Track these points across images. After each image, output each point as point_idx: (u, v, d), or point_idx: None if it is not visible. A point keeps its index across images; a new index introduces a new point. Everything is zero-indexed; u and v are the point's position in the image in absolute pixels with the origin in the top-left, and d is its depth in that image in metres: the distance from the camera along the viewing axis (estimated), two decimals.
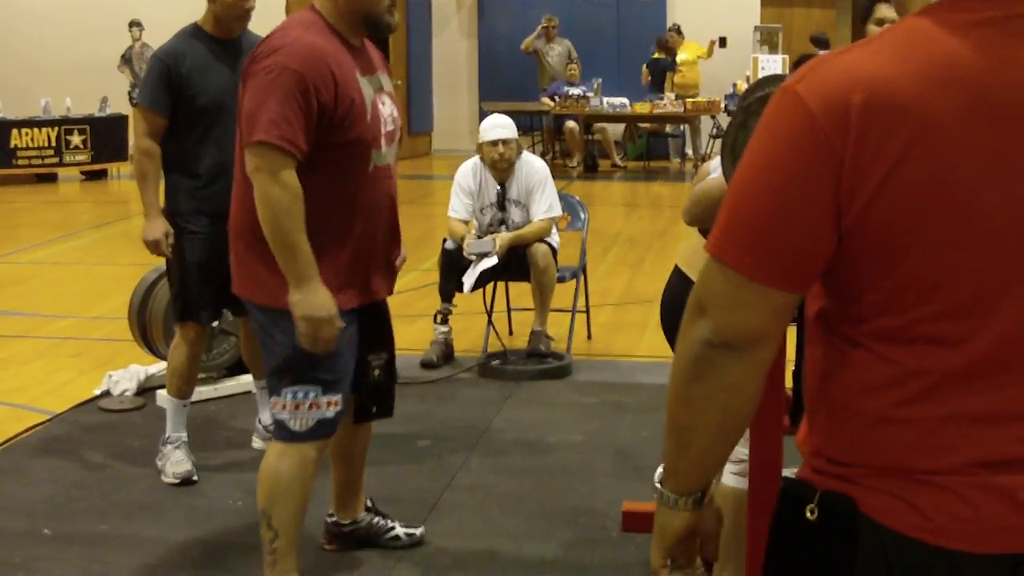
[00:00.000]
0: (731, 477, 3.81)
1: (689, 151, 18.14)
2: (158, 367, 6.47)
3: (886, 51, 1.66)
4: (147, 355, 6.53)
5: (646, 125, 17.83)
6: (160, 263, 6.38)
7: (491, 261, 6.75)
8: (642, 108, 16.63)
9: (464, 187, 7.02)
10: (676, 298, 3.78)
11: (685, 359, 1.75)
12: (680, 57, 17.68)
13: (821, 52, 13.14)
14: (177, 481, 5.10)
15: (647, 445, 5.61)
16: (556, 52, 17.54)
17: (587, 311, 7.59)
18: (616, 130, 18.16)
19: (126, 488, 5.12)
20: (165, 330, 6.08)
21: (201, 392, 6.23)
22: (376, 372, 3.99)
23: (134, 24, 17.81)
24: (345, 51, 3.70)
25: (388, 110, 3.85)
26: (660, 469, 1.91)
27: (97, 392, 6.41)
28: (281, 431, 3.80)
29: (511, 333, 7.59)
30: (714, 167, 3.76)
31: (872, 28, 5.13)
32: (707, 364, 1.73)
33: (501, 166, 6.94)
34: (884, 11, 5.08)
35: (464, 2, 19.73)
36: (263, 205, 3.54)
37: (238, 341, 6.29)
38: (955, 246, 1.62)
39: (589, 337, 7.62)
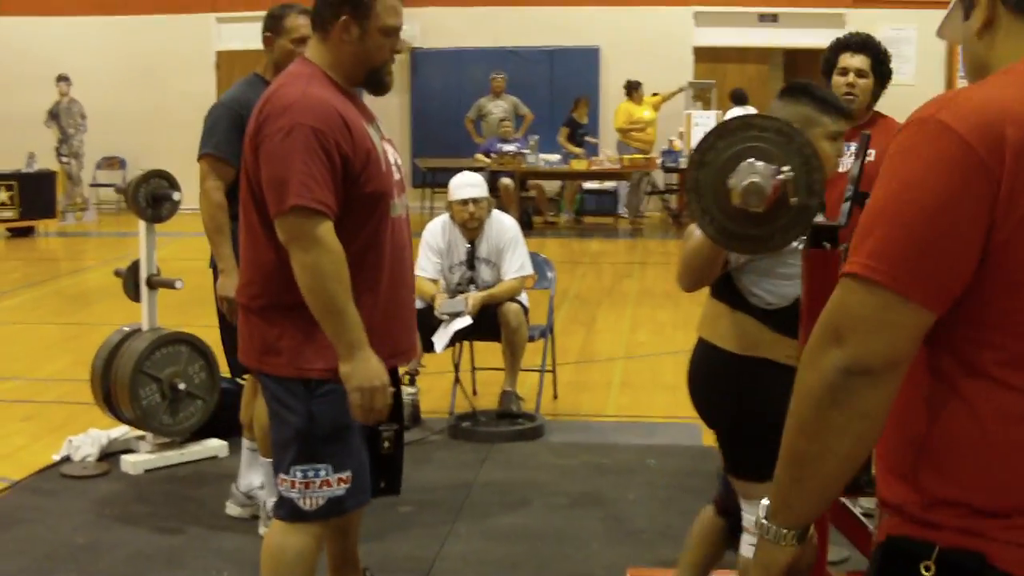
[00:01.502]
0: (749, 549, 3.69)
1: (622, 210, 18.12)
2: (120, 431, 6.27)
3: (1017, 86, 1.72)
4: (107, 418, 6.28)
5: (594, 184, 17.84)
6: (125, 323, 6.23)
7: (464, 321, 6.62)
8: (579, 164, 16.60)
9: (432, 245, 6.89)
10: (709, 371, 3.69)
11: (815, 390, 1.75)
12: (646, 115, 17.68)
13: (738, 108, 13.33)
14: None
15: (636, 507, 5.49)
16: (501, 108, 17.46)
17: (553, 371, 7.47)
18: (552, 187, 18.13)
19: (103, 559, 4.90)
20: (131, 394, 5.86)
21: (168, 457, 6.08)
22: (386, 444, 3.80)
23: (61, 79, 17.59)
24: (348, 102, 3.56)
25: (393, 158, 3.70)
26: (764, 503, 1.91)
27: (56, 457, 6.17)
28: (287, 509, 3.61)
29: (475, 393, 7.44)
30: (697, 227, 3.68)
31: (837, 79, 5.11)
32: (844, 392, 1.73)
33: (471, 225, 6.83)
34: (847, 60, 5.09)
35: (397, 58, 19.63)
36: (308, 274, 3.35)
37: (204, 405, 6.11)
38: None
39: (555, 397, 7.49)
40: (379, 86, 3.66)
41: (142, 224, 6.03)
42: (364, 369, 3.40)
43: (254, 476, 5.28)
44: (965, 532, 1.70)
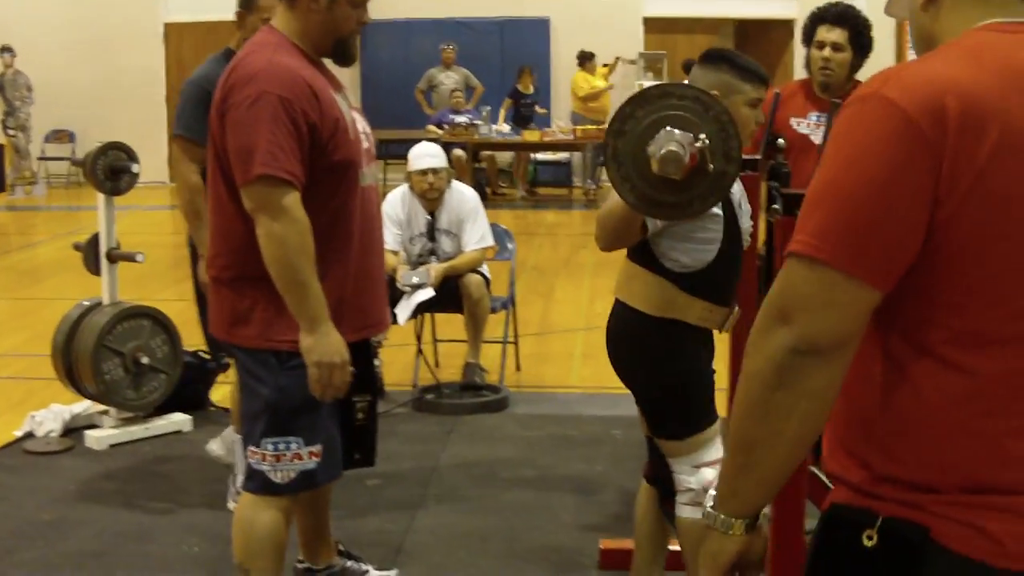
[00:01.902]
0: (684, 508, 3.75)
1: (576, 179, 18.11)
2: (83, 406, 6.21)
3: (963, 59, 1.71)
4: (69, 394, 6.22)
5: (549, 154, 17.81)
6: (82, 299, 6.17)
7: (427, 293, 6.60)
8: (532, 136, 16.57)
9: (392, 217, 6.84)
10: (625, 332, 3.71)
11: (763, 371, 1.73)
12: (600, 84, 17.65)
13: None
14: None
15: (604, 479, 5.51)
16: (452, 80, 17.39)
17: (515, 342, 7.46)
18: (503, 159, 18.09)
19: (71, 536, 4.85)
20: (93, 368, 5.81)
21: (132, 432, 6.04)
22: (360, 415, 3.79)
23: (5, 49, 17.37)
24: (316, 71, 3.53)
25: (362, 127, 3.68)
26: (711, 493, 1.89)
27: (18, 433, 6.11)
28: (257, 482, 3.59)
29: (437, 365, 7.42)
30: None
31: (814, 52, 5.12)
32: (791, 372, 1.71)
33: (431, 195, 6.80)
34: (823, 34, 5.09)
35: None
36: (272, 244, 3.33)
37: (167, 379, 6.07)
38: None
39: (518, 368, 7.49)
40: (346, 57, 3.63)
41: (101, 197, 5.98)
42: (325, 344, 3.38)
43: None
44: (908, 505, 1.70)
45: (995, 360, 1.68)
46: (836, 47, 5.04)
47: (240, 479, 4.88)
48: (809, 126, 5.18)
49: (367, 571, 4.33)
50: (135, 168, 5.94)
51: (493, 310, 7.05)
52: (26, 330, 8.66)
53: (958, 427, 1.69)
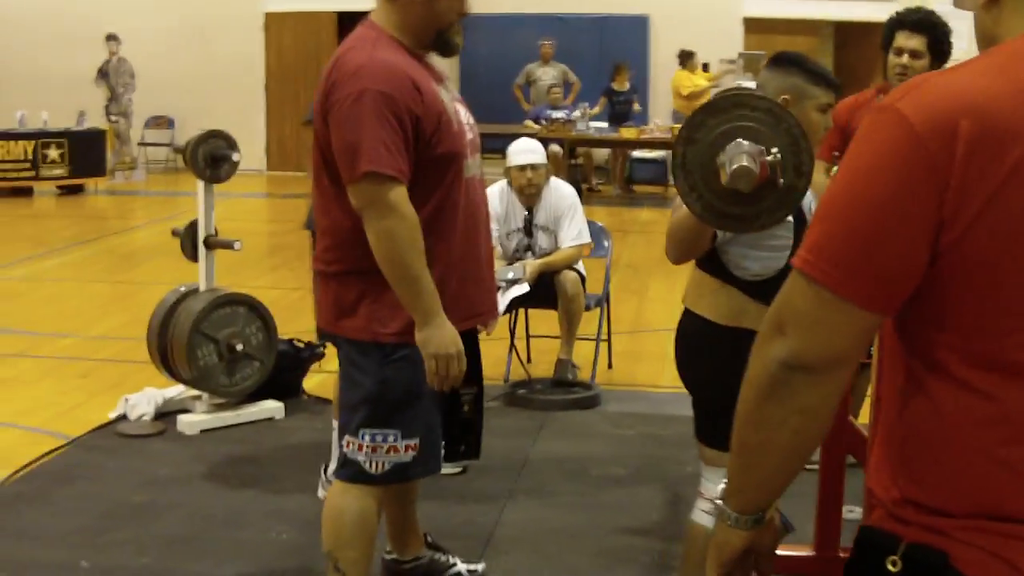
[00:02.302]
0: (702, 515, 3.72)
1: (671, 178, 17.98)
2: (176, 390, 6.26)
3: (991, 71, 1.61)
4: (162, 378, 6.27)
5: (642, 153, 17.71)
6: (178, 284, 6.21)
7: (522, 288, 6.57)
8: (629, 133, 16.48)
9: (490, 211, 6.81)
10: (693, 340, 3.68)
11: (759, 379, 1.70)
12: (702, 83, 17.53)
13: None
14: None
15: (693, 481, 5.40)
16: (550, 75, 17.37)
17: (608, 340, 7.41)
18: (600, 155, 18.03)
19: (161, 519, 4.90)
20: (188, 354, 5.85)
21: (224, 418, 6.08)
22: (466, 408, 3.77)
23: (111, 38, 17.58)
24: (417, 64, 3.49)
25: (465, 118, 3.64)
26: (721, 485, 1.89)
27: (113, 415, 6.16)
28: (351, 471, 3.58)
29: (529, 360, 7.39)
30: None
31: (892, 59, 5.04)
32: (783, 386, 1.68)
33: (529, 191, 6.77)
34: (902, 40, 5.01)
35: None
36: (383, 241, 3.31)
37: (261, 367, 6.10)
38: None
39: (610, 366, 7.44)
40: (448, 47, 3.59)
41: (200, 184, 6.02)
42: (440, 336, 3.37)
43: None
44: (929, 530, 1.64)
45: (1019, 386, 1.60)
46: (915, 54, 4.98)
47: (332, 467, 4.92)
48: None
49: (454, 564, 4.32)
50: (235, 156, 5.98)
51: (587, 307, 7.00)
52: (123, 313, 8.77)
53: (981, 452, 1.62)
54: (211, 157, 5.97)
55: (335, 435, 4.87)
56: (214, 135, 6.01)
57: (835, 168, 5.42)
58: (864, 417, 4.30)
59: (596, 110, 17.33)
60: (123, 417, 6.14)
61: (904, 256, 1.59)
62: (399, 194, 3.31)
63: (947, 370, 1.63)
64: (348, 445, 3.56)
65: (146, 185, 17.79)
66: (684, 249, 3.54)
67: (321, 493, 5.07)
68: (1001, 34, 1.68)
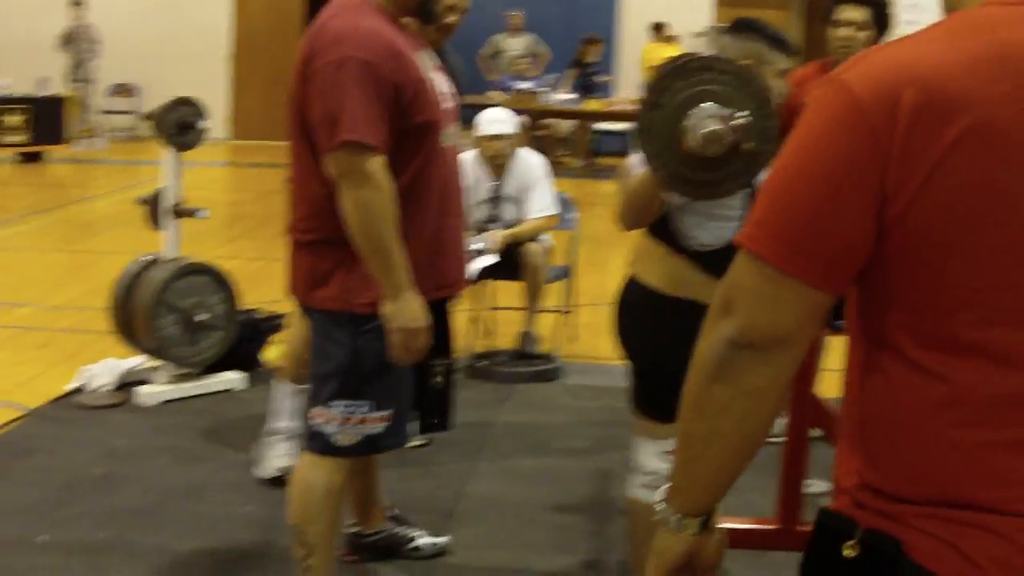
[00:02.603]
0: (639, 490, 3.69)
1: None
2: (136, 361, 6.20)
3: (943, 39, 1.56)
4: (122, 348, 6.21)
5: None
6: (139, 253, 6.16)
7: (490, 259, 6.54)
8: (594, 104, 16.45)
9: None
10: (636, 308, 3.62)
11: (704, 360, 1.66)
12: (671, 55, 17.49)
13: None
14: (277, 475, 4.78)
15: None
16: (519, 46, 17.31)
17: (573, 312, 7.39)
18: (565, 127, 17.99)
19: (122, 491, 4.85)
20: (150, 323, 5.80)
21: (185, 389, 6.03)
22: (438, 379, 3.74)
23: (76, 3, 17.40)
24: (398, 31, 3.44)
25: (443, 86, 3.60)
26: (662, 488, 1.81)
27: (71, 386, 6.10)
28: (320, 443, 3.53)
29: (492, 332, 7.36)
30: (633, 163, 3.64)
31: (834, 31, 5.07)
32: (729, 366, 1.63)
33: (498, 161, 6.73)
34: (846, 12, 5.03)
35: None
36: (357, 210, 3.26)
37: (223, 337, 6.05)
38: (1005, 250, 1.52)
39: (573, 339, 7.42)
40: (430, 15, 3.55)
41: (168, 152, 5.96)
42: (407, 310, 3.33)
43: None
44: (885, 516, 1.60)
45: (971, 366, 1.55)
46: (858, 26, 5.04)
47: (282, 427, 4.90)
48: None
49: (417, 536, 4.30)
50: (203, 124, 5.92)
51: (551, 279, 6.98)
52: (82, 283, 8.68)
53: (934, 436, 1.57)
54: (179, 125, 5.91)
55: (282, 403, 4.86)
56: (183, 102, 5.95)
57: None
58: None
59: (566, 80, 17.31)
60: (82, 388, 6.08)
61: (848, 231, 1.55)
62: (377, 164, 3.26)
63: (899, 350, 1.59)
64: (318, 416, 3.51)
65: (108, 154, 17.61)
66: (636, 215, 3.49)
67: (259, 469, 5.00)
68: (964, 1, 1.64)
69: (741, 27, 3.61)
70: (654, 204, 3.42)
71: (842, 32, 5.06)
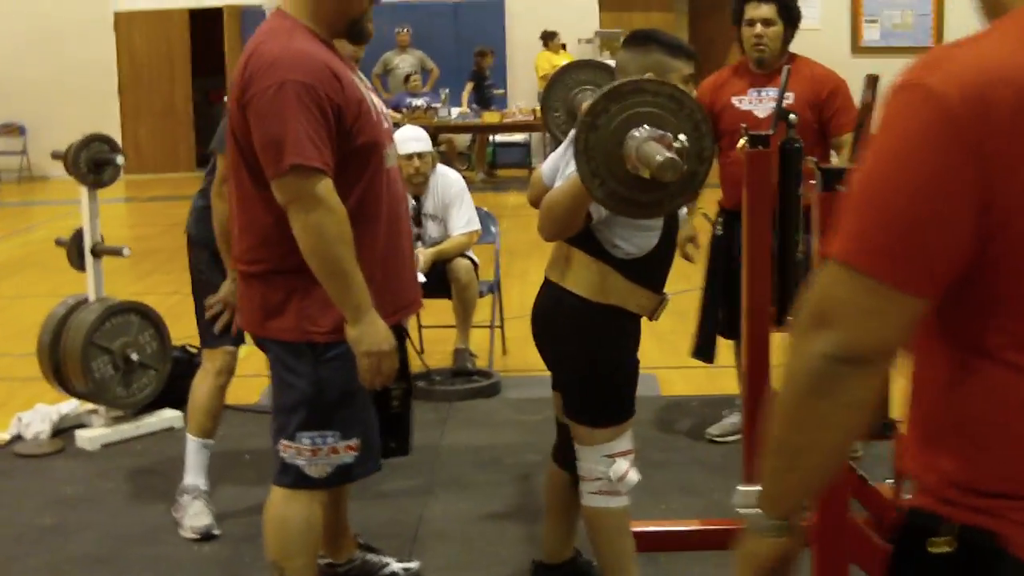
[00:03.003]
0: (592, 497, 3.75)
1: (535, 160, 18.04)
2: (70, 405, 6.09)
3: (1011, 41, 1.54)
4: (52, 394, 6.09)
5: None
6: (70, 296, 6.04)
7: (418, 279, 6.49)
8: (492, 117, 16.48)
9: None
10: (560, 315, 3.67)
11: (800, 376, 1.63)
12: (560, 64, 17.53)
13: None
14: (197, 536, 4.66)
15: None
16: (407, 63, 17.28)
17: (502, 326, 7.39)
18: (461, 141, 18.00)
19: (74, 540, 4.74)
20: (83, 366, 5.68)
21: (124, 431, 5.93)
22: (395, 403, 3.70)
23: None
24: (332, 54, 3.38)
25: (380, 107, 3.56)
26: (740, 491, 1.82)
27: (7, 436, 5.96)
28: (291, 476, 3.47)
29: (422, 351, 7.33)
30: (546, 174, 3.68)
31: (745, 30, 5.20)
32: (831, 380, 1.60)
33: (416, 180, 6.71)
34: (753, 11, 5.17)
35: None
36: (310, 235, 3.18)
37: (157, 375, 5.96)
38: None
39: (504, 352, 7.42)
40: (361, 35, 3.50)
41: (84, 190, 5.85)
42: (372, 333, 3.27)
43: None
44: (980, 511, 1.61)
45: None
46: (766, 22, 5.24)
47: (190, 486, 4.83)
48: (751, 102, 5.29)
49: (388, 563, 4.27)
50: (119, 160, 5.82)
51: (480, 294, 6.96)
52: None
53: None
54: (94, 162, 5.80)
55: (191, 458, 4.77)
56: (97, 139, 5.84)
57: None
58: None
59: (465, 94, 17.33)
60: (18, 437, 5.94)
61: (949, 239, 1.54)
62: (326, 187, 3.19)
63: (998, 354, 1.59)
64: (286, 450, 3.45)
65: None
66: (561, 227, 3.51)
67: (184, 531, 4.78)
68: (1008, 1, 1.62)
69: (638, 40, 3.62)
70: (579, 216, 3.45)
71: (754, 30, 5.20)
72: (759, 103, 5.24)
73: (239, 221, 3.46)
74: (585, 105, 4.10)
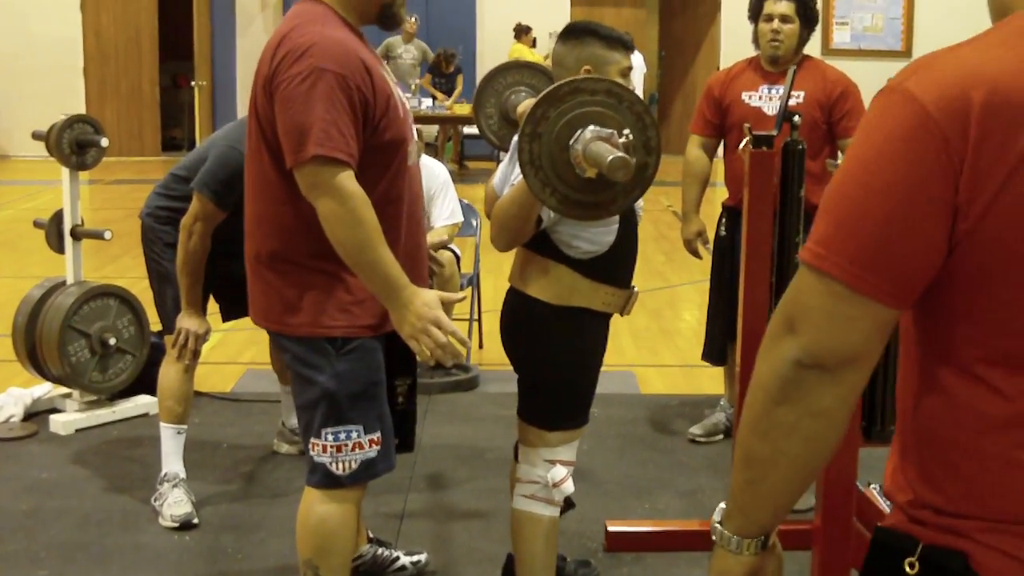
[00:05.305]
0: (523, 500, 3.71)
1: (504, 153, 17.98)
2: (43, 389, 6.01)
3: (1003, 45, 1.51)
4: (25, 376, 6.01)
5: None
6: (46, 278, 5.96)
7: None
8: (462, 109, 16.42)
9: None
10: (524, 321, 3.61)
11: (767, 382, 1.60)
12: (534, 58, 17.54)
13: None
14: (176, 525, 4.59)
15: (589, 457, 5.40)
16: (411, 54, 17.18)
17: (480, 320, 7.35)
18: (428, 133, 17.93)
19: (52, 526, 4.65)
20: (59, 350, 5.60)
21: (99, 416, 5.84)
22: (400, 399, 3.62)
23: None
24: (362, 43, 3.28)
25: (405, 103, 3.43)
26: (720, 507, 1.76)
27: None
28: (318, 475, 3.36)
29: None
30: (497, 186, 3.62)
31: (762, 26, 5.17)
32: (795, 387, 1.57)
33: None
34: (771, 6, 5.16)
35: (268, 1, 19.20)
36: (335, 224, 3.08)
37: (134, 361, 5.87)
38: None
39: (481, 346, 7.38)
40: (393, 21, 3.38)
41: (65, 172, 5.76)
42: (411, 312, 3.11)
43: None
44: (948, 531, 1.58)
45: None
46: (784, 19, 5.24)
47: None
48: (761, 98, 5.27)
49: (397, 557, 4.25)
50: (103, 142, 5.74)
51: (461, 287, 6.91)
52: None
53: (997, 455, 1.54)
54: (77, 143, 5.71)
55: (167, 445, 4.81)
56: (80, 120, 5.76)
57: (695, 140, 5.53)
58: None
59: (423, 82, 17.30)
60: None
61: (921, 246, 1.50)
62: (347, 176, 3.08)
63: (964, 367, 1.55)
64: (313, 448, 3.35)
65: None
66: (512, 236, 3.47)
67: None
68: (1013, 4, 1.59)
69: (575, 32, 3.56)
70: (529, 223, 3.40)
71: (771, 25, 5.19)
72: (769, 100, 5.22)
73: (253, 211, 3.35)
74: (521, 108, 4.08)
